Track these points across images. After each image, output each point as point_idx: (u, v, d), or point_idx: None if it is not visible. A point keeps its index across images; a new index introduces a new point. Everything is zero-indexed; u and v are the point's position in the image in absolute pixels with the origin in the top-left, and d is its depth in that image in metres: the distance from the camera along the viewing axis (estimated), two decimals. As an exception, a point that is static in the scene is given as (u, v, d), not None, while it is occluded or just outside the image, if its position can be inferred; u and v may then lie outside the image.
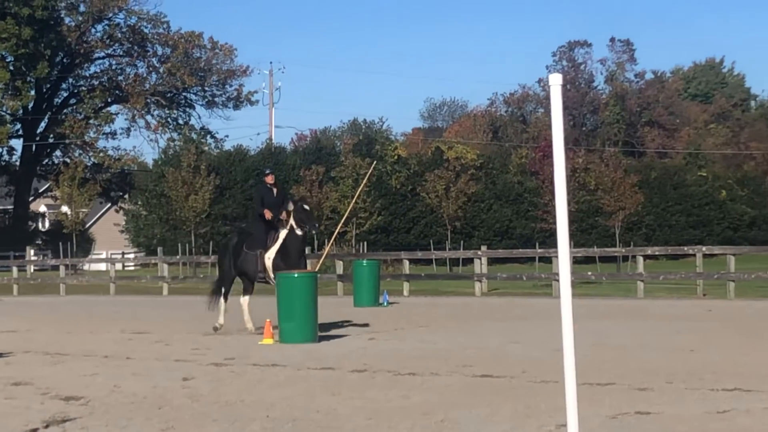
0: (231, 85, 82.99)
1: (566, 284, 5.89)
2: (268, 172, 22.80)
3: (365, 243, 62.27)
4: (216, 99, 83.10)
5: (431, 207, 68.61)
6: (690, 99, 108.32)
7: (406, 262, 41.07)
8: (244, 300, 21.98)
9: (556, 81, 5.86)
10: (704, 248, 38.74)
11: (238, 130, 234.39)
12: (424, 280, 42.45)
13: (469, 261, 50.13)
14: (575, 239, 64.39)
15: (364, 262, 33.68)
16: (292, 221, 21.20)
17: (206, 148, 78.17)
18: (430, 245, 64.33)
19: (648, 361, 15.16)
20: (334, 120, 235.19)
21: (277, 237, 21.44)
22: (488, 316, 25.84)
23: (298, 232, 21.19)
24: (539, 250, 44.42)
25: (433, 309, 29.25)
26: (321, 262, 26.33)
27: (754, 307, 28.32)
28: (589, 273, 43.07)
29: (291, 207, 21.36)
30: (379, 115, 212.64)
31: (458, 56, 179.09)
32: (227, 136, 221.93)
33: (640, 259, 37.72)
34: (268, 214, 21.65)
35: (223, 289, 22.46)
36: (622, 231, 62.63)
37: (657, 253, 43.96)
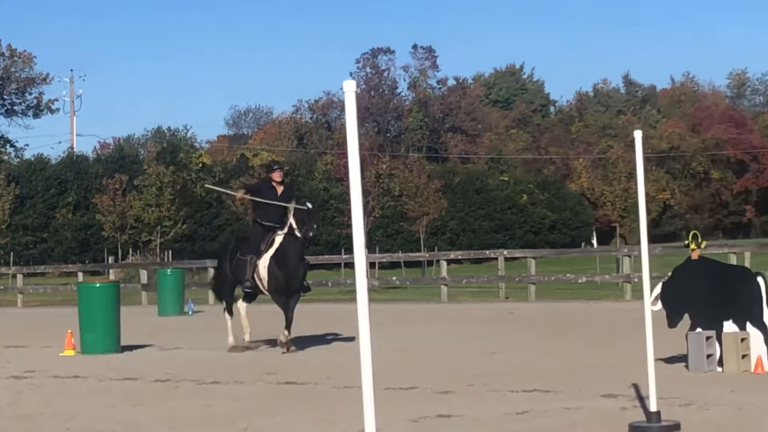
0: (31, 93, 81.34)
1: (362, 289, 5.93)
2: (276, 167, 19.96)
3: (170, 251, 61.61)
4: (15, 107, 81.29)
5: (237, 214, 68.31)
6: (491, 105, 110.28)
7: (212, 271, 40.76)
8: (242, 306, 19.35)
9: (350, 87, 5.90)
10: (506, 252, 39.48)
11: (39, 139, 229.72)
12: (230, 288, 42.26)
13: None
14: (380, 245, 64.93)
15: (169, 270, 33.33)
16: (292, 221, 18.76)
17: (5, 158, 76.31)
18: (236, 253, 63.88)
19: (450, 364, 15.37)
20: (138, 128, 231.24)
21: (273, 241, 19.00)
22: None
23: (298, 234, 18.71)
24: (344, 256, 44.60)
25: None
26: None
27: (553, 309, 28.98)
28: (394, 278, 43.47)
29: (293, 205, 18.82)
30: (184, 122, 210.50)
31: (262, 63, 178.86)
32: (27, 145, 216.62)
33: (444, 264, 38.25)
34: (240, 194, 20.18)
35: (224, 301, 19.84)
36: (427, 236, 63.36)
37: (460, 257, 44.64)
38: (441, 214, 64.38)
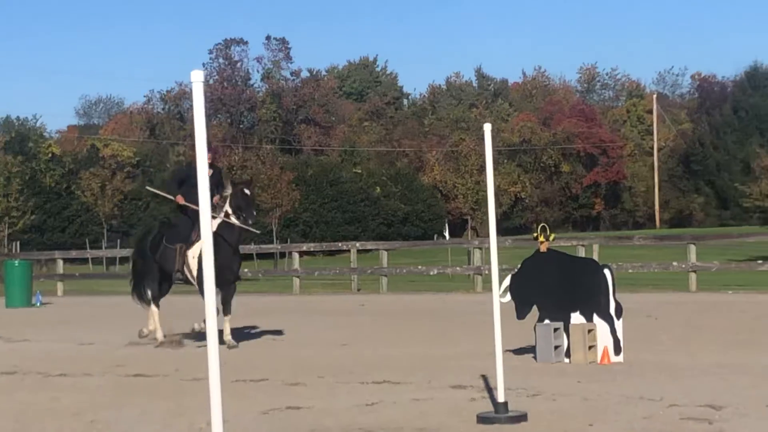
0: None
1: (210, 282, 5.87)
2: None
3: (18, 243, 60.46)
4: None
5: (87, 205, 67.34)
6: (345, 97, 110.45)
7: (60, 262, 40.20)
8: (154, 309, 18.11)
9: (197, 78, 5.84)
10: (359, 244, 39.61)
11: None
12: (79, 279, 41.71)
13: (125, 260, 49.42)
14: (233, 236, 64.39)
15: (16, 262, 32.70)
16: (228, 208, 17.28)
17: None
18: (86, 244, 63.10)
19: (301, 356, 15.35)
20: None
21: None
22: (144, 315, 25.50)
23: (235, 221, 17.26)
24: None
25: (88, 309, 28.68)
26: None
27: (404, 301, 29.17)
28: (246, 270, 43.26)
29: (229, 191, 17.42)
30: (33, 112, 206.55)
31: (114, 52, 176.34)
32: None
33: (296, 256, 38.26)
34: (180, 199, 17.73)
35: (149, 291, 18.25)
36: (280, 228, 63.27)
37: (313, 249, 44.65)
38: (294, 206, 64.37)
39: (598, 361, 13.70)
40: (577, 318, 13.99)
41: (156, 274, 18.17)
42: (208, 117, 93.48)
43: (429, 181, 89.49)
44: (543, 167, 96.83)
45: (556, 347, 13.92)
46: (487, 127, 10.09)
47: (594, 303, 13.98)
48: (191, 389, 12.01)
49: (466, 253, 40.23)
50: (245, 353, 15.87)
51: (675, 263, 33.13)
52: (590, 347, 13.83)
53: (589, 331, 13.86)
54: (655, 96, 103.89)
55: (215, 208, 17.24)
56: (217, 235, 16.91)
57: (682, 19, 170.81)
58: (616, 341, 13.90)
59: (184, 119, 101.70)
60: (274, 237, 59.80)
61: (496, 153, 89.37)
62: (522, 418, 9.52)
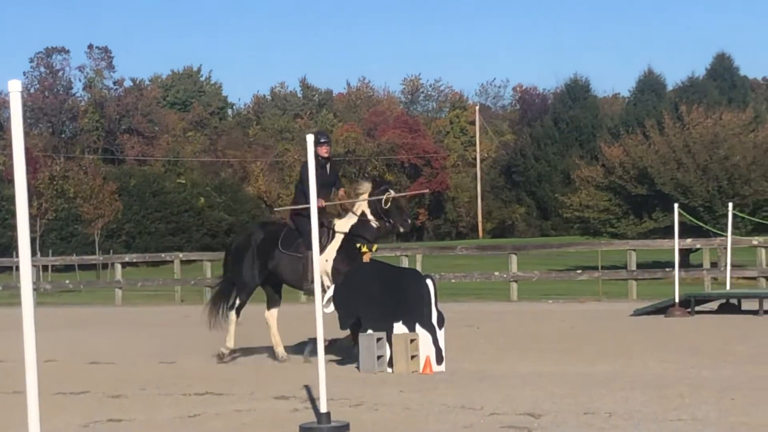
0: None
1: (27, 293, 5.78)
2: (323, 140, 16.21)
3: None
4: None
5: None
6: (169, 107, 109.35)
7: None
8: (271, 315, 16.55)
9: (15, 87, 5.74)
10: (182, 255, 39.28)
11: None
12: None
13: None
14: (54, 248, 63.30)
15: None
16: (365, 208, 15.88)
17: None
18: None
19: (123, 369, 15.18)
20: None
21: (333, 232, 15.93)
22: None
23: (374, 224, 15.84)
24: (16, 259, 43.33)
25: None
26: None
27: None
28: (68, 281, 42.57)
29: (364, 188, 16.00)
30: None
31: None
32: None
33: (119, 267, 37.76)
34: (321, 203, 15.41)
35: (238, 300, 16.65)
36: (102, 238, 62.35)
37: (135, 260, 44.09)
38: (117, 217, 63.48)
39: (420, 371, 13.84)
40: (399, 328, 14.12)
41: (254, 287, 16.62)
42: (29, 126, 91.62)
43: (254, 191, 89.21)
44: (367, 178, 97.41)
45: (379, 357, 14.02)
46: (310, 138, 10.14)
47: (416, 313, 14.12)
48: (11, 402, 11.75)
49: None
50: (65, 366, 15.60)
51: (497, 273, 33.68)
52: (412, 357, 13.97)
53: (412, 340, 14.00)
54: (477, 107, 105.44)
55: (337, 211, 16.36)
56: (352, 236, 15.79)
57: (504, 32, 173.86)
58: (438, 351, 14.07)
59: (3, 128, 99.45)
60: (96, 248, 58.87)
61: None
62: (344, 428, 9.56)
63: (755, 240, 31.51)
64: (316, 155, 15.37)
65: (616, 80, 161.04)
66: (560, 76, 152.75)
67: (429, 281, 14.35)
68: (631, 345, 16.91)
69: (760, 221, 40.45)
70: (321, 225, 15.25)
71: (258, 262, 16.23)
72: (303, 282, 15.89)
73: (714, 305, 24.07)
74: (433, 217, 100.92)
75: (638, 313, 23.35)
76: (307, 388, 11.96)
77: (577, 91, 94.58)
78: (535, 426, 9.64)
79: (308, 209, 15.03)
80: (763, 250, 30.12)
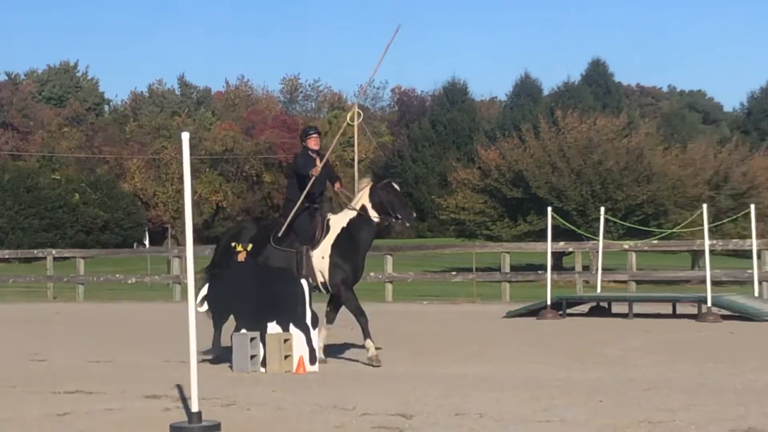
0: None
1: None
2: (312, 132, 15.85)
3: None
4: None
5: None
6: (44, 102, 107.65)
7: None
8: None
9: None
10: (55, 251, 38.72)
11: None
12: None
13: None
14: None
15: None
16: (366, 202, 15.16)
17: None
18: None
19: (-9, 366, 14.91)
20: None
21: (328, 225, 15.24)
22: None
23: (375, 219, 15.15)
24: None
25: None
26: None
27: (102, 310, 28.71)
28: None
29: (366, 184, 15.35)
30: None
31: None
32: None
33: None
34: (337, 186, 15.50)
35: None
36: (-27, 234, 61.17)
37: (8, 256, 43.44)
38: (-10, 212, 62.28)
39: (294, 371, 13.83)
40: (273, 328, 14.09)
41: None
42: None
43: (129, 188, 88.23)
44: (245, 177, 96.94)
45: (252, 356, 13.98)
46: (185, 136, 10.06)
47: (291, 313, 14.11)
48: None
49: (166, 262, 39.88)
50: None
51: (372, 274, 33.72)
52: (286, 357, 13.95)
53: (286, 340, 13.99)
54: (356, 108, 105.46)
55: (331, 203, 15.63)
56: (347, 234, 15.14)
57: (383, 34, 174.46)
58: (312, 351, 14.08)
59: None
60: (-34, 243, 57.74)
61: (199, 162, 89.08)
62: (215, 428, 9.52)
63: (626, 244, 32.00)
64: (307, 148, 15.62)
65: (493, 84, 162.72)
66: (438, 78, 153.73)
67: (303, 281, 14.35)
68: (503, 347, 17.09)
69: (632, 226, 41.12)
70: (311, 215, 15.29)
71: (251, 258, 15.36)
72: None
73: (585, 308, 24.43)
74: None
75: (511, 315, 23.60)
76: (179, 387, 11.88)
77: (455, 94, 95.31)
78: (407, 426, 9.69)
79: (293, 201, 15.03)
80: (634, 254, 30.63)
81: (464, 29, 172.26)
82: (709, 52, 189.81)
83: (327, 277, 15.06)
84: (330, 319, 15.46)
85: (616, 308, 23.75)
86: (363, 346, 14.90)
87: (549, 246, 25.47)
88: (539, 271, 31.46)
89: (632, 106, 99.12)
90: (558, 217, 30.59)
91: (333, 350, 15.63)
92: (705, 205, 24.58)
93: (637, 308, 22.96)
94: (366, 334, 14.80)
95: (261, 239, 15.38)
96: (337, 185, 15.60)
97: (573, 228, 35.95)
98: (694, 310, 22.45)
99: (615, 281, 33.14)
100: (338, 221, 15.21)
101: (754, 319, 21.36)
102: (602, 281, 26.77)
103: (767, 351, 16.14)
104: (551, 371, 13.74)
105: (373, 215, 15.08)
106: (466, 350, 16.46)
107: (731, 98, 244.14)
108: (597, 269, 26.62)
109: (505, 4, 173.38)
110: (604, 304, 24.12)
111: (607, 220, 28.47)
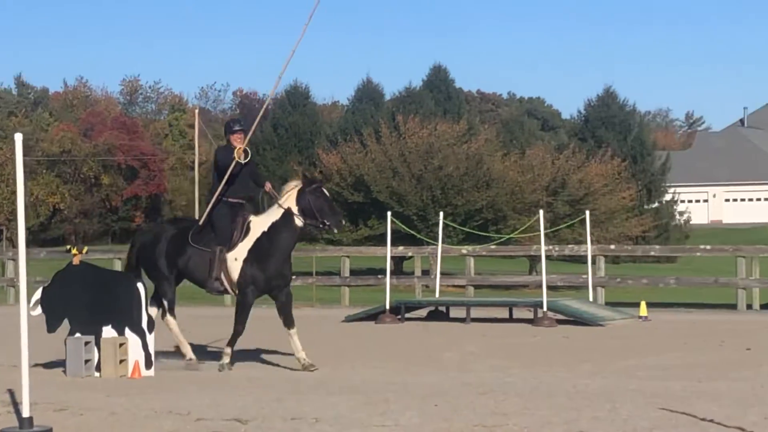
0: None
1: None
2: (237, 128, 15.34)
3: None
4: None
5: None
6: None
7: None
8: (171, 321, 15.10)
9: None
10: None
11: None
12: None
13: None
14: None
15: None
16: (292, 205, 14.49)
17: None
18: None
19: None
20: None
21: (248, 227, 14.62)
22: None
23: (299, 222, 14.53)
24: None
25: None
26: None
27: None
28: None
29: (293, 185, 14.70)
30: None
31: None
32: None
33: None
34: (268, 186, 14.89)
35: (165, 303, 15.09)
36: None
37: None
38: None
39: (129, 375, 13.66)
40: (109, 332, 13.90)
41: (172, 284, 15.07)
42: None
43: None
44: (83, 178, 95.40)
45: (87, 361, 13.77)
46: (18, 137, 9.88)
47: (126, 316, 13.94)
48: None
49: (0, 265, 39.06)
50: None
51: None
52: (121, 361, 13.77)
53: (121, 344, 13.80)
54: (197, 110, 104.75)
55: (258, 205, 15.11)
56: (267, 237, 14.51)
57: (225, 36, 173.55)
58: (148, 355, 13.92)
59: None
60: None
61: (35, 163, 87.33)
62: (47, 433, 9.37)
63: (465, 249, 32.38)
64: (230, 143, 15.10)
65: (335, 88, 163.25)
66: (281, 82, 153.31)
67: (140, 284, 14.19)
68: (341, 351, 17.14)
69: (471, 231, 41.58)
70: (233, 214, 14.76)
71: (167, 258, 14.85)
72: (208, 279, 14.64)
73: (423, 312, 24.62)
74: (150, 219, 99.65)
75: (350, 319, 23.68)
76: (11, 392, 11.63)
77: (297, 97, 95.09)
78: (242, 431, 9.65)
79: (219, 199, 14.64)
80: (472, 259, 31.01)
81: (306, 33, 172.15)
82: (548, 60, 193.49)
83: (235, 279, 14.49)
84: (289, 324, 14.82)
85: (454, 313, 24.00)
86: (221, 353, 14.84)
87: (389, 250, 25.63)
88: (379, 276, 31.65)
89: (472, 112, 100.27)
90: (398, 222, 30.81)
91: (170, 356, 15.44)
92: (542, 211, 25.04)
93: (475, 313, 23.23)
94: (231, 342, 14.69)
95: (180, 239, 14.85)
96: (267, 186, 15.00)
97: (413, 233, 36.24)
98: (530, 315, 22.80)
99: (454, 286, 33.50)
100: (260, 224, 14.63)
101: (588, 323, 21.80)
102: (441, 286, 27.05)
103: (600, 355, 16.48)
104: (388, 375, 13.82)
105: (298, 220, 14.49)
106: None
107: (569, 106, 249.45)
108: (436, 274, 26.86)
109: (347, 8, 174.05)
110: (443, 309, 24.35)
111: (446, 225, 28.78)
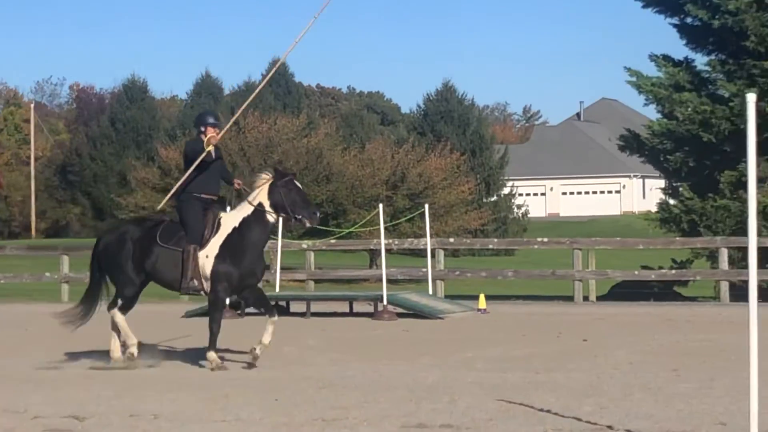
0: None
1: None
2: (211, 121, 14.64)
3: None
4: None
5: None
6: None
7: None
8: (119, 316, 14.41)
9: None
10: None
11: None
12: None
13: None
14: None
15: None
16: (264, 200, 13.99)
17: None
18: None
19: None
20: None
21: (218, 223, 14.05)
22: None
23: (270, 218, 14.11)
24: None
25: None
26: None
27: None
28: None
29: (264, 179, 14.15)
30: None
31: None
32: None
33: None
34: (238, 184, 14.67)
35: (121, 301, 14.39)
36: None
37: None
38: None
39: (-38, 375, 13.34)
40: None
41: (139, 284, 14.41)
42: None
43: None
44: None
45: None
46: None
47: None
48: None
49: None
50: None
51: (47, 274, 32.93)
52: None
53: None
54: (32, 105, 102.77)
55: (238, 197, 14.22)
56: (238, 234, 13.96)
57: (61, 29, 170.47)
58: (-18, 353, 13.60)
59: None
60: None
61: None
62: None
63: (305, 243, 32.33)
64: (199, 137, 14.45)
65: (173, 82, 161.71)
66: (118, 76, 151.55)
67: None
68: (179, 347, 16.96)
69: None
70: (203, 210, 14.16)
71: (134, 261, 14.18)
72: (181, 280, 14.03)
73: (264, 307, 24.52)
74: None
75: (189, 315, 23.49)
76: None
77: (134, 91, 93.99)
78: (79, 429, 9.52)
79: (188, 193, 13.93)
80: (312, 254, 31.02)
81: (144, 27, 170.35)
82: (387, 55, 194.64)
83: (207, 275, 13.92)
84: (270, 312, 14.44)
85: (294, 307, 23.96)
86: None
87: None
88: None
89: (312, 106, 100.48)
90: (238, 217, 30.51)
91: (7, 353, 15.11)
92: (381, 205, 25.16)
93: (315, 307, 23.25)
94: (210, 346, 14.03)
95: (147, 240, 14.20)
96: (237, 183, 14.76)
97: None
98: (370, 309, 22.90)
99: (294, 280, 33.44)
100: (230, 219, 14.13)
101: (428, 316, 21.99)
102: (282, 280, 26.97)
103: (439, 347, 16.63)
104: (229, 370, 13.74)
105: (270, 214, 14.07)
106: (143, 349, 16.23)
107: (408, 100, 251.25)
108: (276, 269, 26.79)
109: (183, 2, 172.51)
110: (283, 304, 24.30)
111: (287, 220, 28.64)
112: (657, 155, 31.98)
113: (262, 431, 9.42)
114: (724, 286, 26.65)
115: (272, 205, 14.03)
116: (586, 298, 27.44)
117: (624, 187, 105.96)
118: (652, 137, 31.59)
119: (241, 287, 14.26)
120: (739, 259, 28.25)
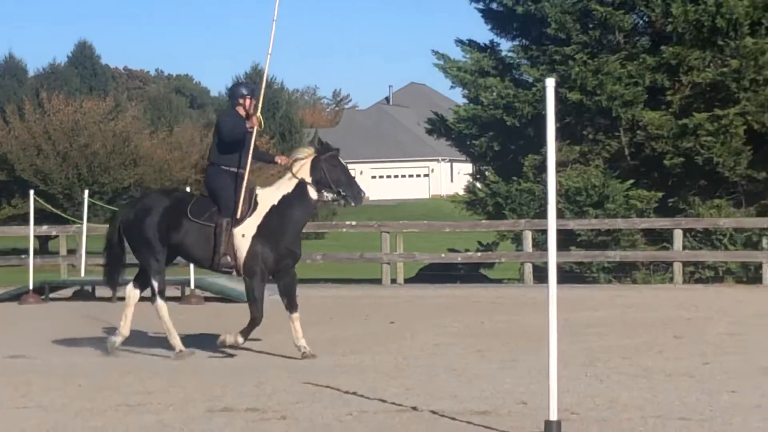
0: None
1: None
2: (246, 92, 13.57)
3: None
4: None
5: None
6: None
7: None
8: (134, 293, 13.79)
9: None
10: None
11: None
12: None
13: None
14: None
15: None
16: (306, 176, 13.09)
17: None
18: None
19: None
20: None
21: (255, 201, 13.09)
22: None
23: (313, 195, 13.21)
24: None
25: None
26: None
27: None
28: None
29: (304, 154, 13.40)
30: None
31: None
32: None
33: None
34: (281, 159, 13.88)
35: (155, 284, 13.47)
36: None
37: None
38: None
39: None
40: None
41: (164, 263, 13.57)
42: None
43: None
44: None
45: None
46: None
47: None
48: None
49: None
50: None
51: None
52: None
53: None
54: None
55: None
56: (278, 211, 13.07)
57: None
58: None
59: None
60: None
61: None
62: None
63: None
64: (235, 109, 13.56)
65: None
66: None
67: None
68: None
69: (116, 209, 40.96)
70: (237, 185, 13.20)
71: (160, 232, 13.28)
72: (213, 257, 13.15)
73: (69, 292, 24.14)
74: None
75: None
76: None
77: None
78: None
79: (217, 166, 13.03)
80: (121, 238, 30.56)
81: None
82: (195, 37, 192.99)
83: (243, 258, 13.06)
84: (292, 307, 13.69)
85: (100, 292, 23.60)
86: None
87: (32, 229, 25.00)
88: (22, 256, 30.75)
89: (119, 89, 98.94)
90: (42, 201, 30.02)
91: None
92: (188, 188, 24.93)
93: (122, 291, 22.90)
94: (245, 332, 13.28)
95: (176, 213, 13.31)
96: (280, 159, 14.14)
97: (58, 212, 35.39)
98: (178, 293, 22.69)
99: (101, 265, 32.89)
100: (268, 197, 13.24)
101: (234, 300, 21.89)
102: (87, 265, 26.50)
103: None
104: (31, 357, 13.48)
105: (312, 192, 13.26)
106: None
107: (217, 82, 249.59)
108: (81, 254, 26.35)
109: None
110: (89, 288, 23.93)
111: (93, 204, 28.26)
112: (463, 139, 32.30)
113: (64, 417, 9.27)
114: (528, 268, 27.15)
115: (315, 182, 13.27)
116: (394, 281, 27.64)
117: (432, 170, 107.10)
118: (458, 121, 31.90)
119: (276, 269, 13.42)
120: (542, 241, 28.81)
